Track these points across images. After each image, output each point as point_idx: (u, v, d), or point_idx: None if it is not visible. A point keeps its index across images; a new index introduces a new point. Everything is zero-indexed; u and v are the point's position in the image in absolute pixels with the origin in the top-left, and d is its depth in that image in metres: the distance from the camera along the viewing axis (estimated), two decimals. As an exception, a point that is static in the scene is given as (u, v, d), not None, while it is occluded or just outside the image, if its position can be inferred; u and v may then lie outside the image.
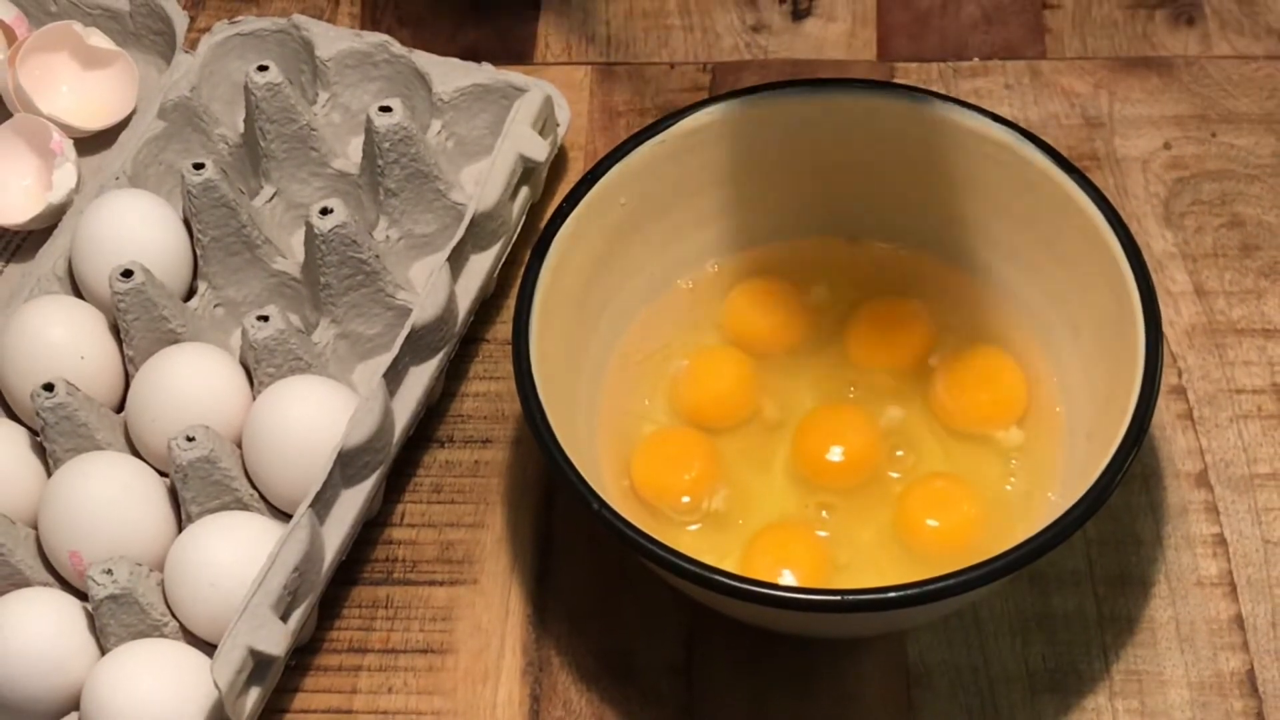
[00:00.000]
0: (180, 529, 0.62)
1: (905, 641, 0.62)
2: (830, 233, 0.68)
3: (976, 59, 0.78)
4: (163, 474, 0.64)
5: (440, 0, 0.81)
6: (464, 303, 0.67)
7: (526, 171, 0.71)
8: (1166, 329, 0.59)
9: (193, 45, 0.75)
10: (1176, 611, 0.63)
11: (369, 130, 0.68)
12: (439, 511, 0.67)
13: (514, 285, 0.62)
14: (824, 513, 0.63)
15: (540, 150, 0.70)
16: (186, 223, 0.69)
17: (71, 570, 0.62)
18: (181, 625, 0.61)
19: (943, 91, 0.66)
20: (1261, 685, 0.61)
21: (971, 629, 0.62)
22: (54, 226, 0.71)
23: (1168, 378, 0.67)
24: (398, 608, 0.64)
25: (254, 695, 0.59)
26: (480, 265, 0.69)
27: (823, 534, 0.62)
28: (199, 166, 0.67)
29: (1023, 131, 0.64)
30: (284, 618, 0.59)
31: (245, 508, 0.63)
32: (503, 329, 0.71)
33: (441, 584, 0.65)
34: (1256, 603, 0.63)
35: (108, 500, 0.61)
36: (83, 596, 0.60)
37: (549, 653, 0.63)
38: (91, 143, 0.74)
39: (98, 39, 0.75)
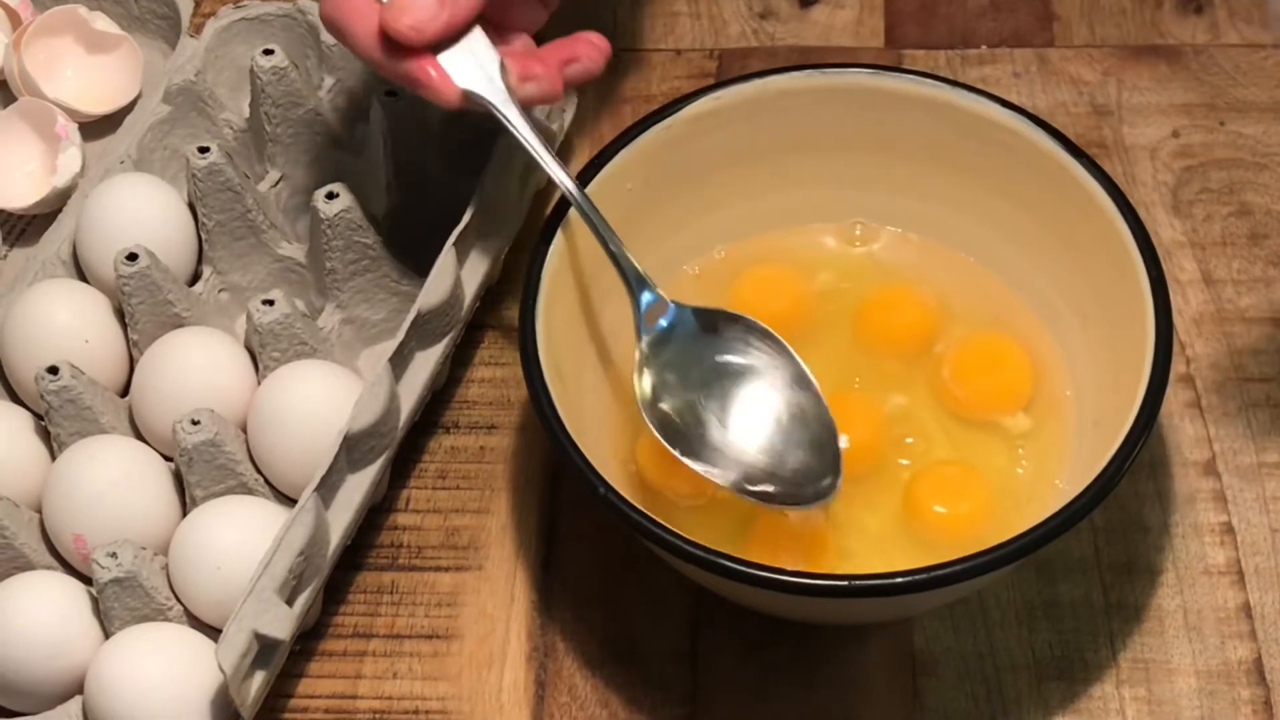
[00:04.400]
0: (185, 513, 0.62)
1: (911, 629, 0.62)
2: (837, 219, 0.68)
3: (984, 47, 0.78)
4: (167, 458, 0.64)
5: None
6: (470, 288, 0.67)
7: (533, 157, 0.71)
8: (1174, 317, 0.59)
9: (198, 29, 0.75)
10: (1184, 600, 0.63)
11: (373, 116, 0.68)
12: (444, 497, 0.66)
13: (520, 271, 0.62)
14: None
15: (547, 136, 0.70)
16: (191, 207, 0.69)
17: (75, 554, 0.62)
18: (186, 609, 0.61)
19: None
20: (1269, 674, 0.61)
21: (978, 616, 0.62)
22: (59, 210, 0.71)
23: (1175, 366, 0.67)
24: (403, 593, 0.64)
25: (258, 679, 0.59)
26: (487, 250, 0.69)
27: (828, 520, 0.62)
28: (204, 150, 0.67)
29: (1032, 117, 0.64)
30: (289, 602, 0.59)
31: (250, 492, 0.63)
32: (509, 315, 0.71)
33: (447, 570, 0.65)
34: (1264, 591, 0.63)
35: (112, 484, 0.61)
36: (87, 580, 0.60)
37: (554, 639, 0.63)
38: (96, 127, 0.74)
39: (103, 23, 0.75)
